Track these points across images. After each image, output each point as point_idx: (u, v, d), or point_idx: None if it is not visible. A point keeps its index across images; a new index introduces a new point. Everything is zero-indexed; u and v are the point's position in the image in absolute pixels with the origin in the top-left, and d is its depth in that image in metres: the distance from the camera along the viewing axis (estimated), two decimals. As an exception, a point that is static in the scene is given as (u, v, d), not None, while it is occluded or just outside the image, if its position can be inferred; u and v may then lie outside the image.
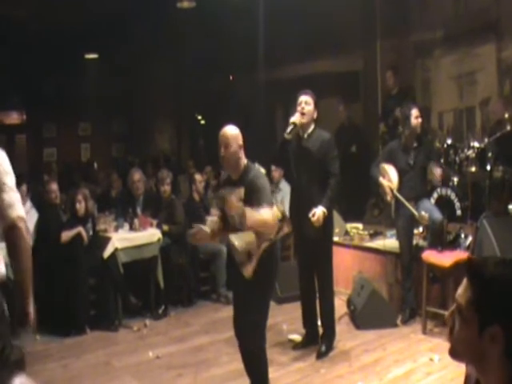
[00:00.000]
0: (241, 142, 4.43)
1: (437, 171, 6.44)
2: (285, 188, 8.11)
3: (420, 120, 6.38)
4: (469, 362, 1.80)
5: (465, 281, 1.77)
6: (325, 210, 5.31)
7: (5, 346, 1.35)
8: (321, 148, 5.47)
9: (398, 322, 6.31)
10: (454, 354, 1.79)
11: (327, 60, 10.44)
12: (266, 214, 4.13)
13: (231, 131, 4.43)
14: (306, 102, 5.48)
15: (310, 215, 5.30)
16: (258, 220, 4.11)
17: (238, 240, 4.27)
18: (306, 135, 5.55)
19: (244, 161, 4.44)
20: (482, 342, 1.69)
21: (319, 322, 5.83)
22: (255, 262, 4.28)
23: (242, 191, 4.25)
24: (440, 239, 6.19)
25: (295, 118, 5.43)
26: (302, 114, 5.45)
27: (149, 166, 11.93)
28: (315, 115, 5.55)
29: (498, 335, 1.66)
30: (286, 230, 4.47)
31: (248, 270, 4.30)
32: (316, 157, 5.47)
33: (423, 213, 6.16)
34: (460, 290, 1.77)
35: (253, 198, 4.21)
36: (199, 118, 15.66)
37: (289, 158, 5.62)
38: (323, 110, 5.79)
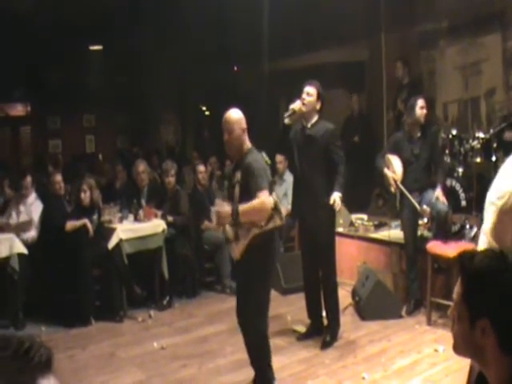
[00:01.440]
0: (244, 125, 4.46)
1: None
2: (289, 179, 8.07)
3: (425, 111, 6.35)
4: (470, 357, 1.79)
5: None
6: (340, 194, 5.36)
7: (31, 345, 1.32)
8: (324, 135, 5.47)
9: (403, 312, 6.29)
10: (456, 349, 1.78)
11: (332, 50, 10.39)
12: (259, 200, 4.21)
13: (234, 116, 4.47)
14: (308, 93, 5.48)
15: (331, 202, 5.33)
16: (251, 208, 4.22)
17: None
18: (309, 125, 5.55)
19: (248, 145, 4.49)
20: (475, 336, 1.67)
21: (324, 313, 5.83)
22: (243, 245, 4.36)
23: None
24: (445, 230, 6.17)
25: (295, 105, 5.43)
26: (303, 103, 5.46)
27: (153, 158, 11.90)
28: (318, 106, 5.54)
29: (488, 328, 1.64)
30: (278, 221, 4.45)
31: (235, 251, 4.45)
32: (320, 144, 5.46)
33: (425, 206, 6.15)
34: (456, 286, 1.77)
35: (248, 182, 4.29)
36: (203, 109, 15.62)
37: (292, 147, 5.61)
38: (327, 100, 5.76)
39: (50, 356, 1.30)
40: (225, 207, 4.33)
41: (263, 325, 4.53)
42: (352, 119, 9.83)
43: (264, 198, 4.22)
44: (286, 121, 5.45)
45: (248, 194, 4.27)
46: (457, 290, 1.75)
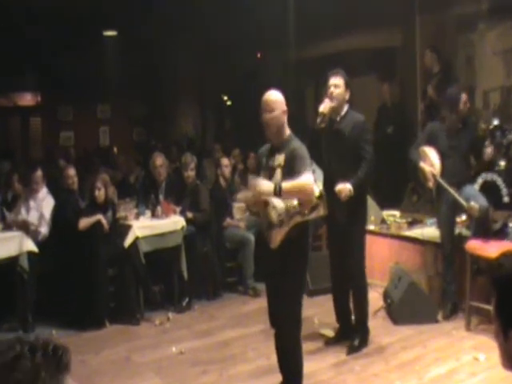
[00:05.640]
0: (285, 107, 4.53)
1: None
2: (317, 170, 8.01)
3: (468, 105, 6.33)
4: None
5: None
6: (351, 188, 5.27)
7: (56, 346, 1.36)
8: (353, 130, 5.47)
9: (439, 317, 6.23)
10: (502, 364, 1.74)
11: (362, 35, 10.30)
12: (304, 179, 4.25)
13: (275, 96, 4.55)
14: (335, 86, 5.49)
15: (336, 189, 5.27)
16: (295, 185, 4.25)
17: (278, 202, 4.33)
18: (338, 118, 5.55)
19: (288, 130, 4.56)
20: (510, 347, 1.64)
21: (353, 316, 5.78)
22: (284, 233, 4.37)
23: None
24: (485, 228, 6.09)
25: (323, 108, 5.41)
26: (331, 98, 5.43)
27: (172, 150, 11.92)
28: (347, 96, 5.55)
29: None
30: (322, 211, 4.51)
31: (276, 239, 4.41)
32: (348, 140, 5.46)
33: (473, 203, 5.98)
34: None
35: (293, 165, 4.35)
36: (225, 98, 15.61)
37: (320, 143, 5.59)
38: (357, 88, 5.73)
39: (70, 357, 1.39)
40: (262, 182, 4.37)
41: (297, 328, 4.52)
42: (385, 109, 9.72)
43: (308, 179, 4.26)
44: (321, 126, 5.43)
45: (292, 177, 4.30)
46: (492, 300, 1.73)
